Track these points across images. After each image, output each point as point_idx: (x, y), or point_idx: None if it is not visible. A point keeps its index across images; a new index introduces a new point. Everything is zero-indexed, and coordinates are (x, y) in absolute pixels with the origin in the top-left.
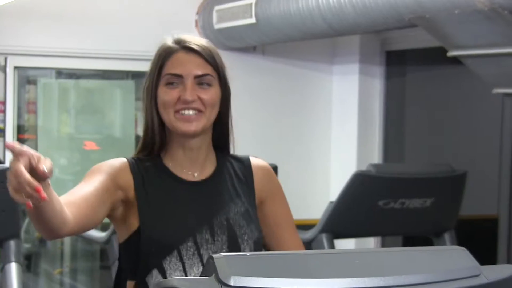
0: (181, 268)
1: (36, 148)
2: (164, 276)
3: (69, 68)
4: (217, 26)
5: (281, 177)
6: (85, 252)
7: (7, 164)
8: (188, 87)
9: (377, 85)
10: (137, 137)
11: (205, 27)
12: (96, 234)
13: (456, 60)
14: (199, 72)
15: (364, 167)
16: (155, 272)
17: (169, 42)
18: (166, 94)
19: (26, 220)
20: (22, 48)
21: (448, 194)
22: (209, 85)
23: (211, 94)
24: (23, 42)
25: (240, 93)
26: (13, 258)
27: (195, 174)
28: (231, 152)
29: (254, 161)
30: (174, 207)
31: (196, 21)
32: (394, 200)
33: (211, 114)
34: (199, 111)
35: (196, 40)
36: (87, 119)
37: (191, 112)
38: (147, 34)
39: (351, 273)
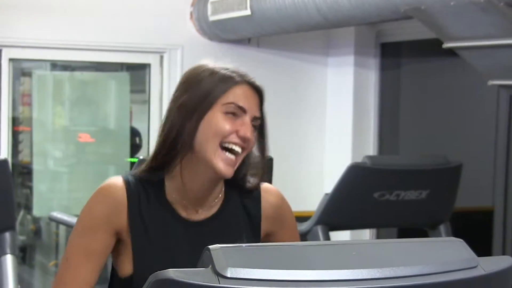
0: None
1: (31, 140)
2: None
3: (64, 60)
4: (212, 18)
5: (276, 169)
6: None
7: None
8: (249, 124)
9: (372, 77)
10: (132, 129)
11: (199, 19)
12: None
13: (451, 52)
14: (258, 114)
15: (359, 159)
16: None
17: (221, 69)
18: (226, 123)
19: (21, 212)
20: (16, 40)
21: (443, 186)
22: (255, 129)
23: (254, 140)
24: (18, 34)
25: None
26: (8, 250)
27: (199, 211)
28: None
29: (265, 196)
30: (171, 250)
31: (191, 13)
32: (389, 192)
33: (242, 159)
34: (243, 151)
35: (252, 78)
36: (82, 111)
37: (240, 150)
38: (142, 26)
39: (348, 264)
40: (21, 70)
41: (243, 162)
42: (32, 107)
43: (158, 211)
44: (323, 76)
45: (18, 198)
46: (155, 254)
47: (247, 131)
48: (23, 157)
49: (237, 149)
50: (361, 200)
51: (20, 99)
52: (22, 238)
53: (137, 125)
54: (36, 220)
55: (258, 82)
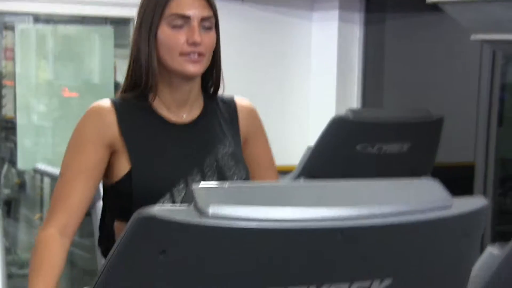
0: None
1: (14, 95)
2: None
3: (47, 14)
4: None
5: None
6: None
7: None
8: (196, 29)
9: (357, 32)
10: (116, 83)
11: None
12: None
13: (435, 7)
14: (206, 14)
15: (343, 113)
16: None
17: None
18: (172, 37)
19: (5, 166)
20: None
21: (425, 140)
22: (210, 28)
23: (212, 37)
24: None
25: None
26: None
27: (184, 116)
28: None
29: (239, 101)
30: (165, 150)
31: None
32: (371, 145)
33: (209, 58)
34: (200, 54)
35: None
36: (66, 66)
37: (195, 56)
38: None
39: (327, 203)
40: (4, 24)
41: (213, 65)
42: (15, 62)
43: (146, 118)
44: (308, 30)
45: (2, 152)
46: (149, 150)
47: (195, 35)
48: (7, 111)
49: (194, 56)
50: (343, 153)
51: (3, 54)
52: (6, 191)
53: (121, 79)
54: (20, 174)
55: None
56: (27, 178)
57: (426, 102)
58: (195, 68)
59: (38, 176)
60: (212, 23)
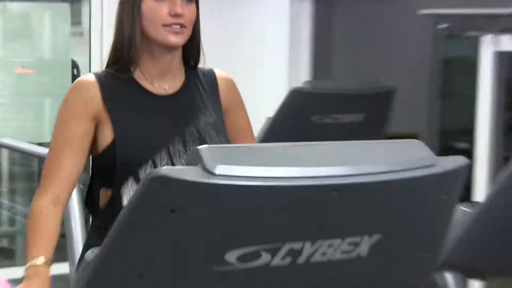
0: None
1: None
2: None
3: None
4: None
5: None
6: (22, 173)
7: None
8: (178, 1)
9: (306, 7)
10: (73, 61)
11: None
12: (42, 150)
13: None
14: None
15: (295, 84)
16: (130, 180)
17: None
18: (155, 9)
19: None
20: None
21: (378, 110)
22: (191, 2)
23: (193, 10)
24: None
25: None
26: None
27: (166, 87)
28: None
29: (218, 72)
30: (147, 120)
31: None
32: (328, 115)
33: (190, 30)
34: (182, 26)
35: None
36: (20, 43)
37: (177, 28)
38: None
39: (324, 161)
40: None
41: (193, 39)
42: None
43: (129, 90)
44: (258, 8)
45: None
46: (132, 121)
47: (177, 7)
48: None
49: (176, 27)
50: (301, 123)
51: None
52: None
53: (75, 57)
54: None
55: None
56: None
57: (374, 74)
58: (177, 38)
59: None
60: None
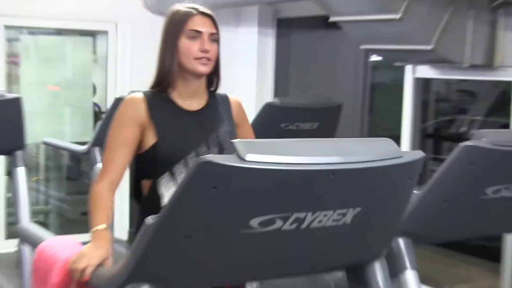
0: (185, 172)
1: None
2: (173, 177)
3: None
4: None
5: None
6: (54, 166)
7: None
8: (206, 41)
9: (271, 43)
10: (94, 85)
11: None
12: (77, 147)
13: (331, 25)
14: (213, 31)
15: (261, 102)
16: (166, 174)
17: (184, 8)
18: (189, 46)
19: None
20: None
21: (328, 120)
22: (215, 41)
23: (216, 49)
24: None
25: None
26: (20, 164)
27: (194, 105)
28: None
29: (230, 96)
30: (180, 129)
31: None
32: (292, 123)
33: (213, 63)
34: (208, 59)
35: (205, 8)
36: (51, 68)
37: (205, 60)
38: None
39: (325, 153)
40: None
41: (215, 70)
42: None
43: (168, 106)
44: (235, 42)
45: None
46: (171, 127)
47: (205, 44)
48: None
49: (204, 60)
50: (272, 129)
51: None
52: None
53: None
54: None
55: (208, 11)
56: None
57: (320, 93)
58: (204, 68)
59: (33, 148)
60: (216, 38)
